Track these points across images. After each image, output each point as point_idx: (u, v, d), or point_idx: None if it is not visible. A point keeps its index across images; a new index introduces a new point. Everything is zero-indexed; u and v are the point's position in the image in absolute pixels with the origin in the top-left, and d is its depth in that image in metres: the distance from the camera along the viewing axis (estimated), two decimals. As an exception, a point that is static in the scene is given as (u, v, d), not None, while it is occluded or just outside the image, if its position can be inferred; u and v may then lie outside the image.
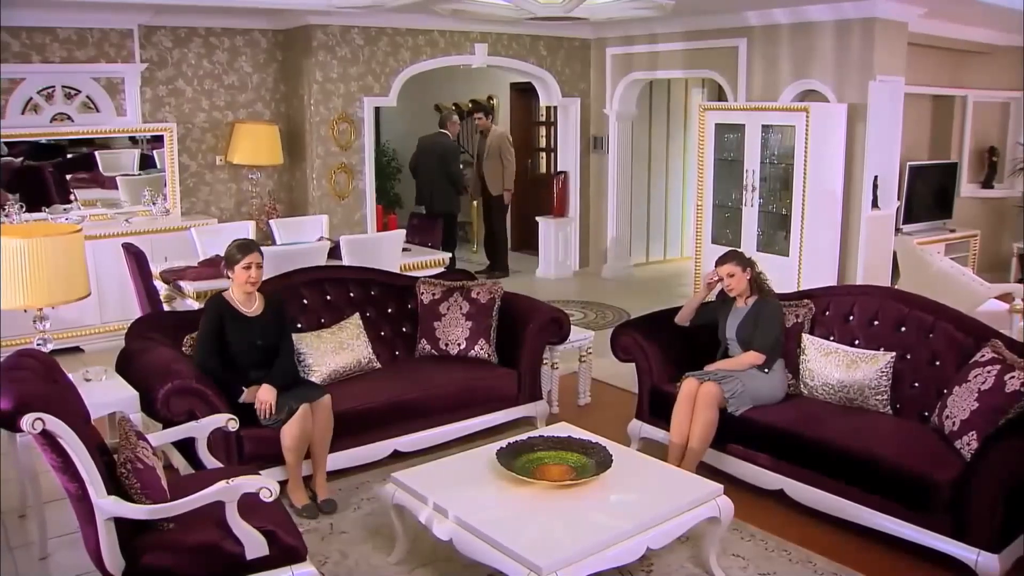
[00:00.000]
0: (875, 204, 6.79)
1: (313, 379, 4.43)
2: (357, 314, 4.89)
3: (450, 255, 7.42)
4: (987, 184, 9.13)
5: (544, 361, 5.14)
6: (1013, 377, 3.53)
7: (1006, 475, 3.26)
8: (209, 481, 2.85)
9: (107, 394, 3.84)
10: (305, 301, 4.87)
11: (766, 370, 4.30)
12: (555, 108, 9.88)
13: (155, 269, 5.85)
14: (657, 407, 4.52)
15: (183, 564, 2.76)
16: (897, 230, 7.58)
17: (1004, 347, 3.76)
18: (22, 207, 6.52)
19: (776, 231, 6.99)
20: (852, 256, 6.81)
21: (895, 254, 6.94)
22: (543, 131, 11.08)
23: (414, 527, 3.51)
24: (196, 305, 5.33)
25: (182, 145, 7.51)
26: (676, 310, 4.75)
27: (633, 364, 4.69)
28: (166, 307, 5.73)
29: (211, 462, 3.48)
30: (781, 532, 3.84)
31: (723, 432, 4.17)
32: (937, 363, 4.11)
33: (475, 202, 10.68)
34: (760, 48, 7.40)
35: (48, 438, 2.65)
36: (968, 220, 8.78)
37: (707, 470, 4.11)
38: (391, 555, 3.61)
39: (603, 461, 3.43)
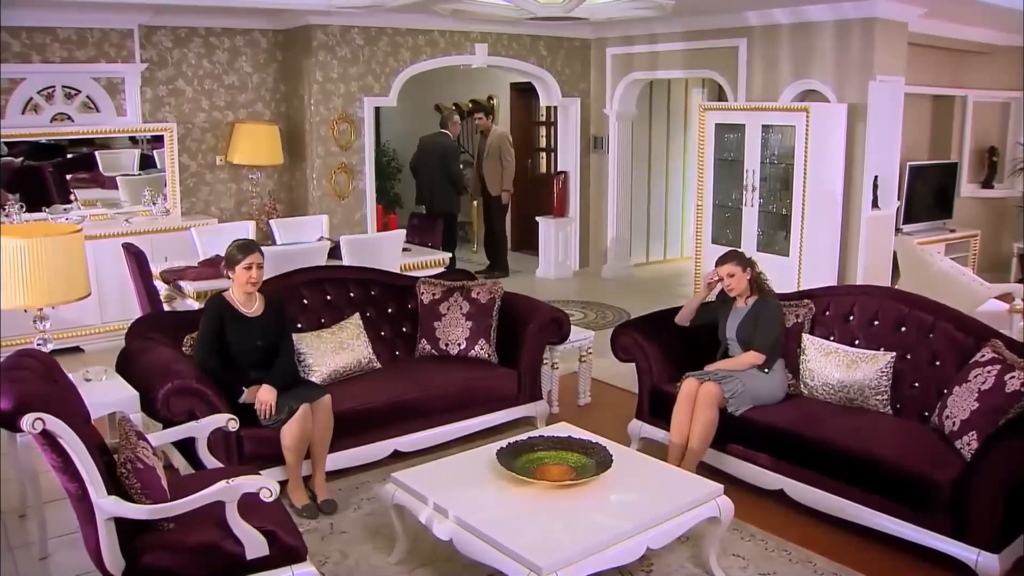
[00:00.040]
0: (875, 204, 6.79)
1: (313, 379, 4.43)
2: (357, 314, 4.89)
3: (450, 255, 7.42)
4: (987, 184, 9.13)
5: (544, 361, 5.14)
6: (1013, 377, 3.53)
7: (1006, 475, 3.26)
8: (209, 481, 2.85)
9: (107, 394, 3.84)
10: (305, 301, 4.87)
11: (766, 370, 4.30)
12: (555, 108, 9.89)
13: (155, 269, 5.85)
14: (657, 407, 4.52)
15: (183, 564, 2.76)
16: (897, 230, 7.58)
17: (1004, 347, 3.76)
18: (22, 207, 6.52)
19: (776, 231, 6.99)
20: (852, 256, 6.81)
21: (895, 254, 6.94)
22: (543, 131, 11.08)
23: (414, 527, 3.51)
24: (196, 305, 5.33)
25: (182, 145, 7.51)
26: (676, 310, 4.75)
27: (633, 364, 4.68)
28: (166, 307, 5.73)
29: (211, 462, 3.48)
30: (781, 532, 3.84)
31: (723, 432, 4.17)
32: (937, 363, 4.11)
33: (475, 202, 10.68)
34: (760, 48, 7.40)
35: (48, 438, 2.65)
36: (968, 220, 8.78)
37: (707, 470, 4.11)
38: (391, 555, 3.61)
39: (603, 461, 3.43)
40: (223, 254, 4.18)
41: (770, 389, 4.27)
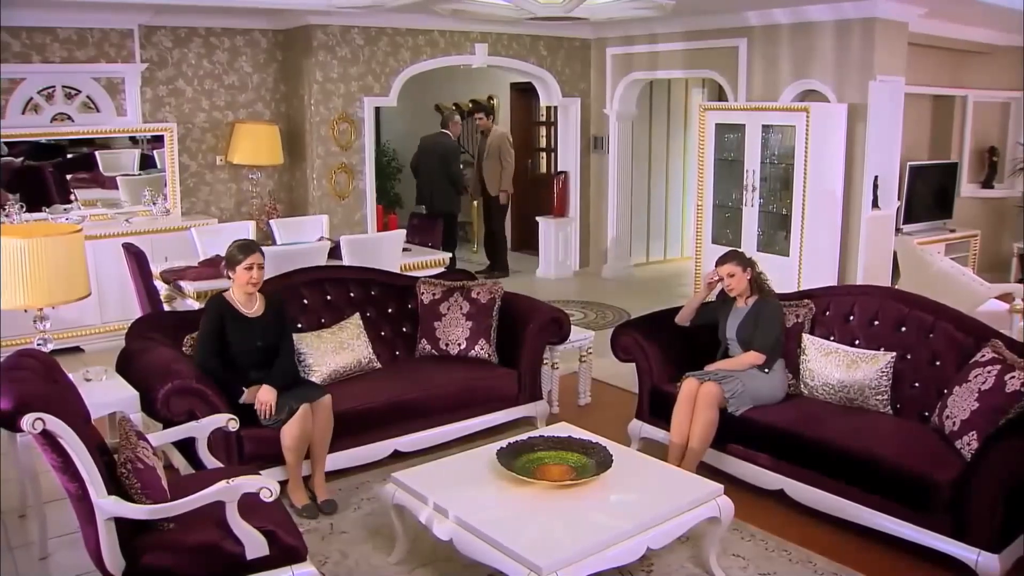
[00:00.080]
0: (875, 204, 6.79)
1: (313, 379, 4.43)
2: (357, 314, 4.89)
3: (450, 255, 7.42)
4: (987, 184, 9.13)
5: (544, 361, 5.14)
6: (1013, 377, 3.53)
7: (1006, 475, 3.26)
8: (209, 481, 2.85)
9: (107, 394, 3.84)
10: (305, 301, 4.87)
11: (766, 370, 4.30)
12: (555, 108, 9.89)
13: (155, 269, 5.85)
14: (657, 407, 4.52)
15: (183, 564, 2.76)
16: (897, 230, 7.58)
17: (1004, 347, 3.76)
18: (22, 207, 6.52)
19: (776, 231, 6.99)
20: (852, 256, 6.81)
21: (895, 254, 6.94)
22: (543, 131, 11.08)
23: (414, 527, 3.51)
24: (196, 305, 5.33)
25: (182, 145, 7.51)
26: (676, 310, 4.75)
27: (633, 364, 4.68)
28: (166, 307, 5.73)
29: (211, 462, 3.48)
30: (781, 532, 3.84)
31: (723, 432, 4.17)
32: (937, 363, 4.11)
33: (475, 202, 10.68)
34: (760, 48, 7.40)
35: (48, 438, 2.65)
36: (968, 220, 8.78)
37: (707, 470, 4.11)
38: (391, 555, 3.61)
39: (603, 461, 3.43)
40: (223, 254, 4.18)
41: (770, 389, 4.27)
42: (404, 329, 5.13)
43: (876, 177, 6.75)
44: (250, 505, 2.83)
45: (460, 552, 3.19)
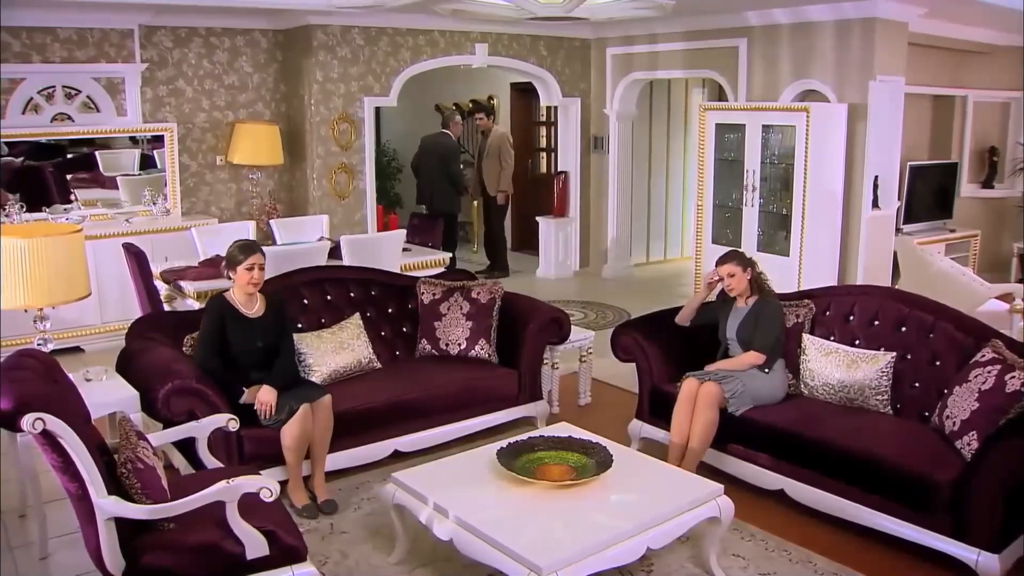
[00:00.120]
0: (875, 204, 6.79)
1: (313, 379, 4.43)
2: (357, 314, 4.89)
3: (450, 255, 7.42)
4: (987, 184, 9.13)
5: (544, 361, 5.14)
6: (1013, 377, 3.53)
7: (1006, 475, 3.26)
8: (209, 481, 2.85)
9: (107, 394, 3.84)
10: (305, 301, 4.87)
11: (766, 370, 4.30)
12: (555, 108, 9.89)
13: (155, 269, 5.85)
14: (657, 407, 4.52)
15: (183, 564, 2.76)
16: (897, 230, 7.58)
17: (1004, 347, 3.76)
18: (22, 207, 6.52)
19: (776, 231, 6.99)
20: (852, 256, 6.81)
21: (895, 254, 6.94)
22: (543, 131, 11.08)
23: (414, 527, 3.51)
24: (196, 305, 5.33)
25: (182, 145, 7.51)
26: (676, 310, 4.76)
27: (633, 364, 4.68)
28: (166, 307, 5.73)
29: (211, 462, 3.48)
30: (781, 532, 3.84)
31: (723, 432, 4.17)
32: (937, 363, 4.11)
33: (475, 202, 10.68)
34: (760, 48, 7.40)
35: (48, 438, 2.66)
36: (968, 220, 8.78)
37: (707, 470, 4.11)
38: (391, 555, 3.61)
39: (603, 461, 3.43)
40: (223, 254, 4.18)
41: (770, 389, 4.27)
42: (404, 329, 5.13)
43: (876, 177, 6.75)
44: (250, 505, 2.83)
45: (460, 552, 3.19)
